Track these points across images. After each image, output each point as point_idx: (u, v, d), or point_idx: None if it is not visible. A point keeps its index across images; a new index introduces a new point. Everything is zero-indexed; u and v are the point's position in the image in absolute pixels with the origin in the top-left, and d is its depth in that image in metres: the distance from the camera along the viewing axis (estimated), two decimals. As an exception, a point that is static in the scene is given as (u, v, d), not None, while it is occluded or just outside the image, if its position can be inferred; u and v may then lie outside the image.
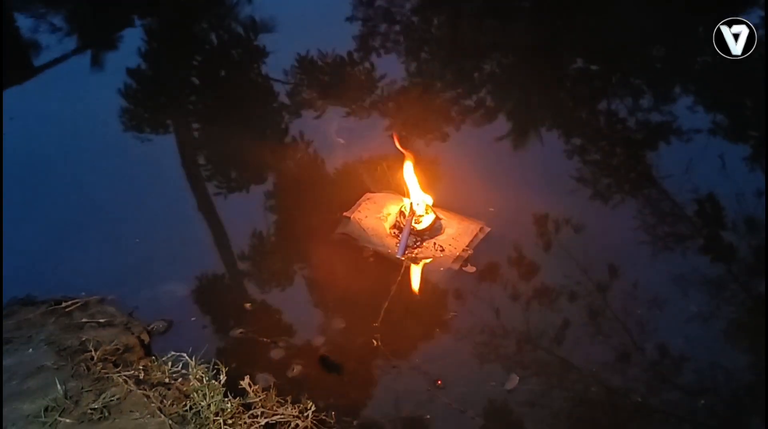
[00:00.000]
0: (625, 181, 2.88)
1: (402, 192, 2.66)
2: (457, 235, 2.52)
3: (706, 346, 2.17)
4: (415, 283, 2.40)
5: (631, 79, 3.51)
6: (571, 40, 3.75)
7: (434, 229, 2.53)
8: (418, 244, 2.50)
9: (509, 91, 3.53)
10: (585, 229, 2.61)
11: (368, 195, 2.69)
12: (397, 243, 2.48)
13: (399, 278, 2.37)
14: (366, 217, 2.58)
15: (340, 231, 2.57)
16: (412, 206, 2.54)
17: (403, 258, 2.44)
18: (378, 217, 2.58)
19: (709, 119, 3.14)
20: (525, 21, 4.00)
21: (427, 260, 2.46)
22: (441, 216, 2.58)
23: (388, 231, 2.54)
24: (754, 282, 2.37)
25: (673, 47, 3.62)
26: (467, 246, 2.47)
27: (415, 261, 2.45)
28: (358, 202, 2.65)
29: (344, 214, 2.61)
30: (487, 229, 2.54)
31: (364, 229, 2.54)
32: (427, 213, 2.54)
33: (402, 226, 2.52)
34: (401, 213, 2.56)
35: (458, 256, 2.44)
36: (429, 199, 2.57)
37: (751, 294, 2.33)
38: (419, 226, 2.52)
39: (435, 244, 2.49)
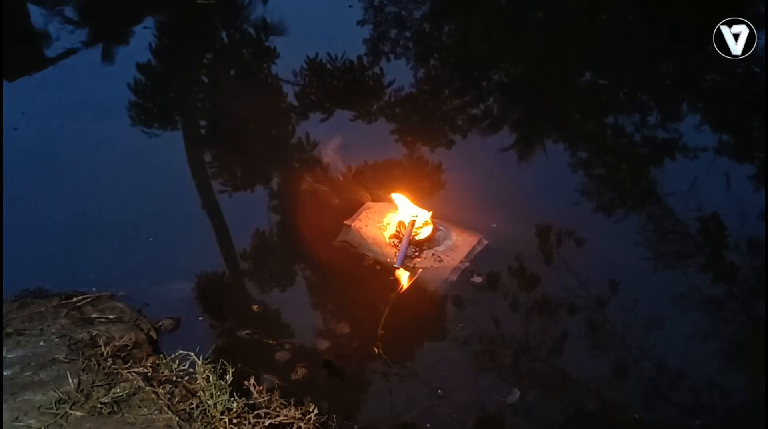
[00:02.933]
0: (628, 197, 2.91)
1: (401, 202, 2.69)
2: (456, 246, 2.54)
3: (704, 365, 2.19)
4: (414, 293, 2.43)
5: (638, 94, 3.54)
6: (580, 53, 3.78)
7: (433, 240, 2.56)
8: (416, 254, 2.52)
9: (516, 102, 3.56)
10: (587, 243, 2.63)
11: (369, 204, 2.72)
12: (396, 252, 2.51)
13: (398, 287, 2.41)
14: (366, 225, 2.61)
15: (340, 238, 2.60)
16: (412, 217, 2.57)
17: (401, 267, 2.47)
18: (378, 226, 2.61)
19: (715, 138, 3.17)
20: (535, 32, 4.02)
21: (426, 270, 2.48)
22: (440, 227, 2.60)
23: (387, 240, 2.56)
24: (754, 302, 2.40)
25: (681, 64, 3.65)
26: (465, 258, 2.50)
27: (414, 271, 2.47)
28: (359, 211, 2.68)
29: (345, 221, 2.63)
30: (486, 242, 2.56)
31: (364, 238, 2.57)
32: (426, 224, 2.57)
33: (401, 235, 2.55)
34: (401, 223, 2.58)
35: (456, 268, 2.47)
36: (427, 215, 2.58)
37: (750, 314, 2.36)
38: (418, 237, 2.54)
39: (434, 254, 2.52)
